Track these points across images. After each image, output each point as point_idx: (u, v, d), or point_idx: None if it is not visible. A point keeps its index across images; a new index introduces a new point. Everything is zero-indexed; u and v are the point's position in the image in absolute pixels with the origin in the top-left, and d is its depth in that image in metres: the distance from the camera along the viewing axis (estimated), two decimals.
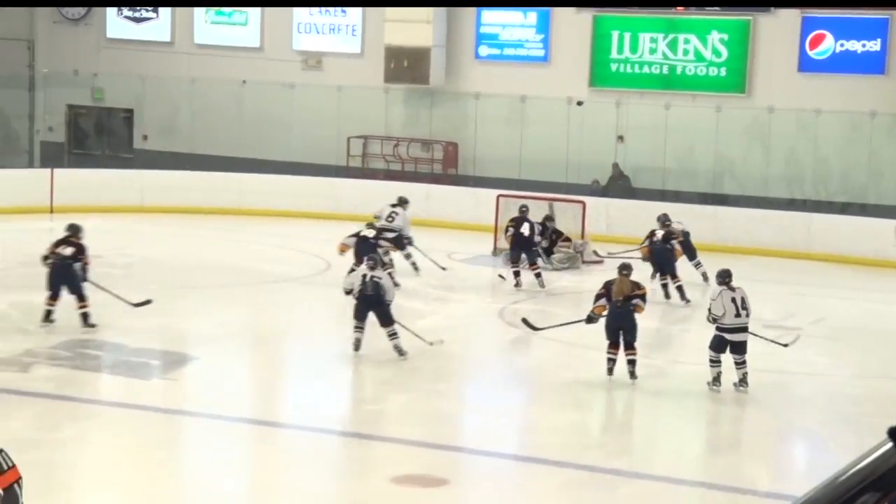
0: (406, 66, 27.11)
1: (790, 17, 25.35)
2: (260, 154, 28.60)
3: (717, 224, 23.82)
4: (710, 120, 25.88)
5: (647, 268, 18.95)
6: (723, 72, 25.93)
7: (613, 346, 13.77)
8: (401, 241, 19.44)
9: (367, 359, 14.52)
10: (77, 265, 15.07)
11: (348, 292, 14.58)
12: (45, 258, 15.17)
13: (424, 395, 13.47)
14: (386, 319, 14.41)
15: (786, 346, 14.55)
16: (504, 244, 20.55)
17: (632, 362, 13.71)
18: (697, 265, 19.62)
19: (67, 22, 30.96)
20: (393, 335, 14.40)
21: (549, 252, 20.86)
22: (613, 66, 26.71)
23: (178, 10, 29.90)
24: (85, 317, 15.11)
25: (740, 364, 13.48)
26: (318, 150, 28.29)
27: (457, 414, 13.28)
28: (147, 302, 15.73)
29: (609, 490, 10.76)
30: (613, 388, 13.89)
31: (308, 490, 10.32)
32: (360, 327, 14.44)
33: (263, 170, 27.29)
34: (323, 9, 28.60)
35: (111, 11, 30.45)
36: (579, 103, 26.68)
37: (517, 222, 19.71)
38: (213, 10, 29.59)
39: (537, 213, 21.07)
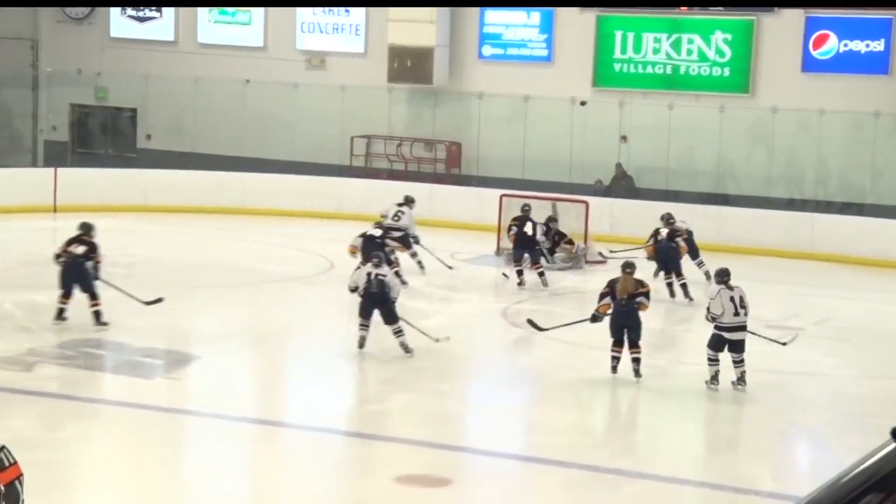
0: (409, 65, 27.12)
1: (794, 17, 25.34)
2: (263, 153, 28.61)
3: (720, 224, 23.81)
4: (714, 120, 25.87)
5: (650, 267, 18.98)
6: (726, 72, 25.91)
7: (617, 344, 13.79)
8: (407, 240, 19.51)
9: (370, 358, 14.52)
10: (89, 263, 15.15)
11: (353, 290, 14.60)
12: (58, 256, 15.23)
13: (427, 395, 13.46)
14: (391, 317, 14.44)
15: (784, 344, 14.57)
16: (507, 244, 20.57)
17: (636, 360, 13.72)
18: (700, 264, 19.65)
19: (71, 21, 30.98)
20: (398, 332, 14.44)
21: (551, 252, 20.86)
22: (617, 66, 26.70)
23: (182, 9, 29.91)
24: (97, 315, 15.16)
25: (738, 363, 13.50)
26: (322, 150, 28.30)
27: (460, 413, 13.26)
28: (159, 300, 15.77)
29: (612, 490, 10.75)
30: (617, 388, 13.89)
31: (310, 490, 10.32)
32: (365, 325, 14.48)
33: (267, 169, 27.29)
34: (326, 8, 28.60)
35: (115, 11, 30.47)
36: (583, 103, 26.67)
37: (520, 221, 19.73)
38: (216, 9, 29.60)
39: (540, 213, 21.06)
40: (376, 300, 14.38)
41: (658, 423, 13.13)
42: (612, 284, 13.99)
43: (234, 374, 14.13)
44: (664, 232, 19.10)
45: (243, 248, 22.29)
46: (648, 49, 26.37)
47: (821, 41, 25.23)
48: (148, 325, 15.50)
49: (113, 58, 30.34)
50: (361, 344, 14.49)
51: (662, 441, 12.42)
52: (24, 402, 12.28)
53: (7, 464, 6.28)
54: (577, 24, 26.77)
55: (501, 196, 22.85)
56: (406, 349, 14.43)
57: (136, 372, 13.85)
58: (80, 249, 15.16)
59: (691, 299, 18.39)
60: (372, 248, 16.74)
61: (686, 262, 19.11)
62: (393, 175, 27.53)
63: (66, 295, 15.16)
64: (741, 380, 13.51)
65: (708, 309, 13.69)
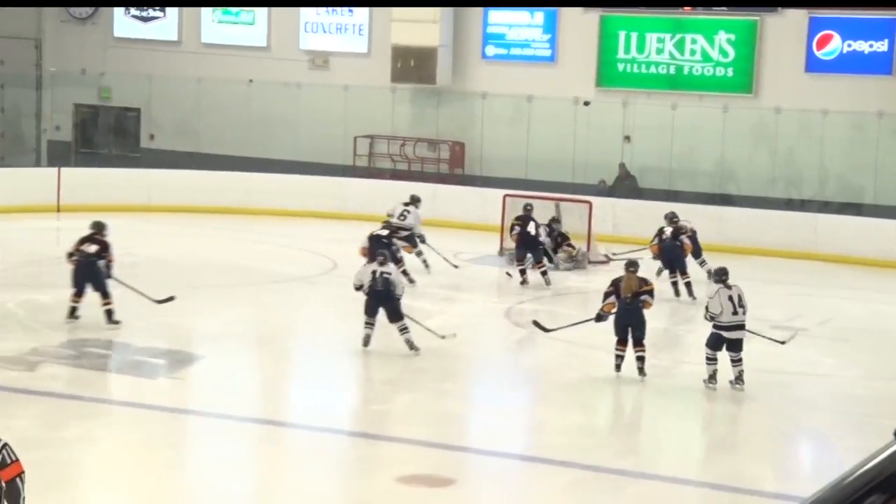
0: (413, 65, 27.12)
1: (797, 18, 25.32)
2: (266, 153, 28.62)
3: (723, 224, 23.79)
4: (717, 120, 25.85)
5: (653, 265, 18.99)
6: (730, 72, 25.90)
7: (622, 342, 13.81)
8: (413, 240, 19.58)
9: (373, 358, 14.53)
10: (101, 262, 15.23)
11: (358, 288, 14.63)
12: (70, 255, 15.30)
13: (430, 395, 13.46)
14: (396, 315, 14.49)
15: (783, 343, 14.58)
16: (510, 244, 20.57)
17: (640, 359, 13.74)
18: (702, 263, 19.66)
19: (75, 21, 31.00)
20: (404, 329, 14.49)
21: (553, 252, 20.85)
22: (620, 66, 26.69)
23: (186, 9, 29.92)
24: (109, 314, 15.23)
25: (736, 362, 13.51)
26: (325, 150, 28.31)
27: (463, 414, 13.26)
28: (170, 299, 15.79)
29: (616, 490, 10.74)
30: (620, 389, 13.89)
31: (314, 489, 10.32)
32: (370, 323, 14.52)
33: (270, 169, 27.29)
34: (330, 8, 28.61)
35: (118, 11, 30.49)
36: (586, 103, 26.67)
37: (523, 221, 19.75)
38: (220, 9, 29.61)
39: (544, 213, 21.07)
40: (381, 298, 14.42)
41: (661, 423, 13.13)
42: (616, 283, 14.01)
43: (237, 373, 14.14)
44: (668, 231, 19.13)
45: (246, 248, 22.30)
46: (652, 49, 26.36)
47: (824, 41, 25.21)
48: (151, 324, 15.52)
49: (116, 58, 30.36)
50: (366, 342, 14.53)
51: (665, 441, 12.41)
52: (26, 402, 12.29)
53: (9, 461, 6.31)
54: (581, 24, 26.76)
55: (505, 196, 22.83)
56: (411, 346, 14.47)
57: (139, 372, 13.87)
58: (92, 248, 15.26)
59: (695, 298, 18.40)
60: (378, 248, 16.77)
61: (689, 261, 19.12)
62: (396, 175, 27.53)
63: (79, 293, 15.26)
64: (739, 379, 13.52)
65: (706, 308, 13.72)
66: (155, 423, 11.92)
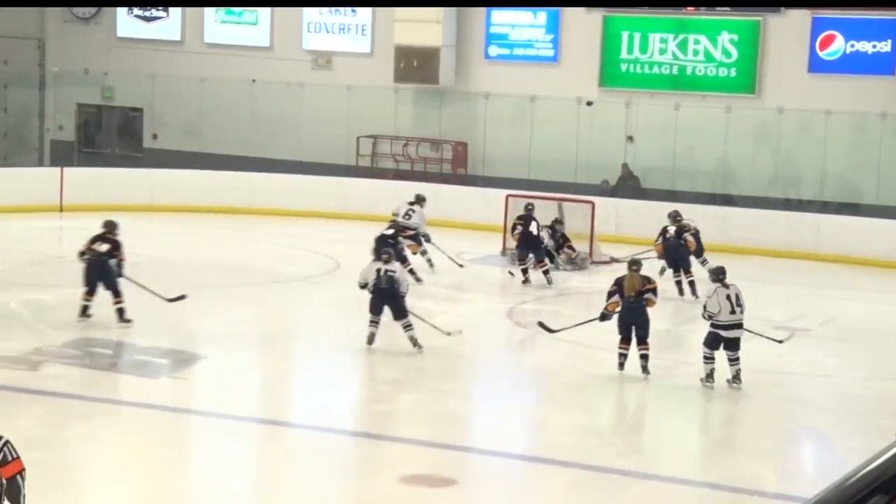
0: (416, 65, 27.12)
1: (800, 18, 25.31)
2: (270, 153, 28.64)
3: (726, 224, 23.78)
4: (720, 120, 25.85)
5: (656, 264, 18.99)
6: (732, 72, 25.89)
7: (625, 341, 13.84)
8: (418, 239, 19.62)
9: (375, 358, 14.54)
10: (112, 261, 15.27)
11: (363, 286, 14.65)
12: (82, 254, 15.34)
13: (433, 395, 13.47)
14: (400, 312, 14.52)
15: (780, 342, 14.59)
16: (512, 244, 20.58)
17: (644, 357, 13.76)
18: (704, 262, 19.63)
19: (78, 21, 31.02)
20: (408, 327, 14.52)
21: (556, 252, 20.85)
22: (623, 67, 26.69)
23: (189, 9, 29.94)
24: (120, 312, 15.28)
25: (733, 361, 13.52)
26: (328, 150, 28.31)
27: (465, 414, 13.27)
28: (182, 297, 15.82)
29: (618, 490, 10.74)
30: (622, 389, 13.89)
31: (316, 489, 10.32)
32: (375, 321, 14.55)
33: (273, 169, 27.31)
34: (333, 8, 28.61)
35: (121, 11, 30.51)
36: (589, 103, 26.67)
37: (524, 220, 19.76)
38: (223, 9, 29.63)
39: (546, 213, 21.07)
40: (386, 296, 14.45)
41: (664, 423, 13.13)
42: (619, 282, 14.04)
43: (240, 373, 14.13)
44: (672, 229, 19.17)
45: (249, 248, 22.31)
46: (655, 49, 26.36)
47: (827, 42, 25.20)
48: (154, 324, 15.52)
49: (119, 57, 30.38)
50: (370, 340, 14.56)
51: (668, 441, 12.41)
52: (29, 402, 12.29)
53: (10, 458, 6.32)
54: (584, 24, 26.76)
55: (507, 196, 22.83)
56: (415, 343, 14.49)
57: (142, 371, 13.88)
58: (103, 247, 15.31)
59: (698, 297, 18.38)
60: (383, 247, 16.79)
61: (691, 260, 19.13)
62: (399, 175, 27.54)
63: (91, 292, 15.31)
64: (736, 377, 13.53)
65: (704, 307, 13.77)
66: (158, 422, 11.93)
